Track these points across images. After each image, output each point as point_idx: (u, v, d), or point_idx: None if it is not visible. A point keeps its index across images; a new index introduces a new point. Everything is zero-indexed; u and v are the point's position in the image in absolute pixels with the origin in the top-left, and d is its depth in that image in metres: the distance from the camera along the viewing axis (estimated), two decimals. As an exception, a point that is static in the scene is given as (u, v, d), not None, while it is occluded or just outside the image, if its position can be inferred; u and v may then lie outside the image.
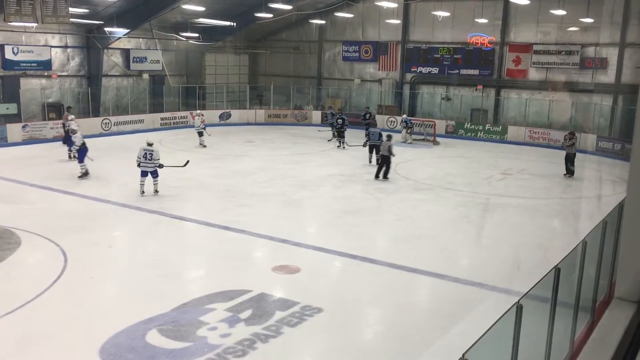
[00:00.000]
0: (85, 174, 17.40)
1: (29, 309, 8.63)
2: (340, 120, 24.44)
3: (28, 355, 7.30)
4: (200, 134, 24.04)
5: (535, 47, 28.38)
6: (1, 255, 10.72)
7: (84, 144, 17.65)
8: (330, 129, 26.52)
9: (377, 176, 18.21)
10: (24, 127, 23.83)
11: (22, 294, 9.01)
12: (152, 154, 15.33)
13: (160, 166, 15.50)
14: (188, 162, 16.89)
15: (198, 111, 26.35)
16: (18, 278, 9.87)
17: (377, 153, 19.43)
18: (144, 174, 15.43)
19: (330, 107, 30.97)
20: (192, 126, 30.36)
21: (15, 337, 7.75)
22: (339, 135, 24.34)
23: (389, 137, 18.65)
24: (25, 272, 10.26)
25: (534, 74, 28.80)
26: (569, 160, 19.67)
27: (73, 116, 21.52)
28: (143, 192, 15.45)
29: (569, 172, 19.65)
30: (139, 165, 15.36)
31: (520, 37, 28.95)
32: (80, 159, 17.60)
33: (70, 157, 19.97)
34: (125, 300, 9.20)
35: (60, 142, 22.61)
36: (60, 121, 23.35)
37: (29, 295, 9.00)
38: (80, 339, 7.75)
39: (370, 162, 20.40)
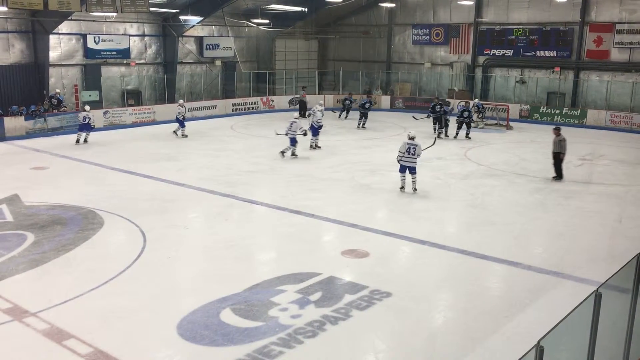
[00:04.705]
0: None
1: (111, 285, 9.13)
2: (437, 107, 23.79)
3: (111, 329, 7.72)
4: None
5: (618, 27, 26.92)
6: (86, 234, 11.36)
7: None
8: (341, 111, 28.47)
9: None
10: (105, 113, 24.98)
11: (105, 271, 9.54)
12: (415, 149, 14.38)
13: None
14: (435, 140, 16.38)
15: (321, 102, 24.33)
16: (102, 256, 10.42)
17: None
18: (403, 169, 14.64)
19: (350, 94, 30.63)
20: (264, 111, 31.05)
21: (100, 311, 8.20)
22: (437, 121, 23.85)
23: None
24: (108, 251, 10.82)
25: (616, 55, 27.38)
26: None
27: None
28: (403, 187, 14.75)
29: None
30: (399, 161, 14.61)
31: (602, 16, 27.54)
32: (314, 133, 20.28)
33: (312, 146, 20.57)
34: (200, 280, 9.54)
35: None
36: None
37: (112, 272, 9.52)
38: (159, 315, 8.12)
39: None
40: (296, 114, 19.95)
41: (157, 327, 7.80)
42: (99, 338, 7.39)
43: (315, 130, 20.29)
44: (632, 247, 10.19)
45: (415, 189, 14.62)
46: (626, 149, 21.24)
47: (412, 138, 14.55)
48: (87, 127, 21.39)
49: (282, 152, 18.99)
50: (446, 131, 23.48)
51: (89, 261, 10.13)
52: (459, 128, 22.91)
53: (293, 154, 18.94)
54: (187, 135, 22.77)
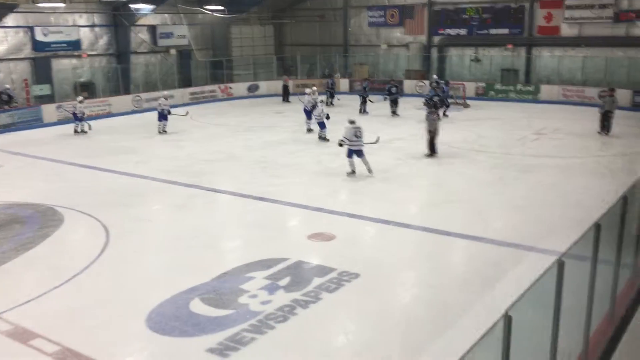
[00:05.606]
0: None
1: (76, 282, 8.95)
2: (393, 89, 24.38)
3: (78, 326, 7.58)
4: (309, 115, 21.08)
5: (567, 2, 27.49)
6: (46, 231, 11.09)
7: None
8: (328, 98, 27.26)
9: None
10: (58, 107, 24.29)
11: (68, 268, 9.34)
12: (361, 131, 14.39)
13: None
14: (379, 138, 15.47)
15: (314, 88, 22.45)
16: (64, 253, 10.21)
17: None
18: (351, 153, 14.50)
19: (331, 75, 30.25)
20: (222, 99, 30.70)
21: (65, 309, 8.04)
22: (394, 103, 24.27)
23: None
24: (70, 248, 10.60)
25: (566, 30, 28.00)
26: (606, 118, 19.24)
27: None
28: (353, 171, 14.63)
29: (605, 128, 19.25)
30: (342, 145, 14.61)
31: (551, -8, 28.09)
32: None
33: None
34: (167, 272, 9.43)
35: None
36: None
37: (76, 269, 9.33)
38: (126, 309, 8.01)
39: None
40: (321, 97, 19.86)
41: (126, 321, 7.70)
42: (65, 336, 7.26)
43: (322, 123, 19.45)
44: (588, 216, 10.44)
45: (370, 170, 14.63)
46: (579, 121, 21.82)
47: (352, 122, 14.63)
48: (75, 117, 21.55)
49: (321, 138, 19.24)
50: (444, 112, 23.48)
51: (50, 259, 9.92)
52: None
53: (320, 137, 19.26)
54: (166, 131, 21.35)
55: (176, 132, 21.58)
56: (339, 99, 27.33)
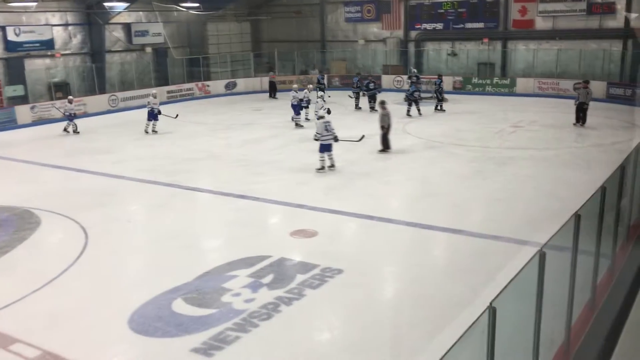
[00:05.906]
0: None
1: (55, 285, 8.81)
2: (371, 85, 24.42)
3: (59, 330, 7.47)
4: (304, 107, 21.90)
5: (541, -4, 27.79)
6: (23, 234, 10.90)
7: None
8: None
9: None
10: (32, 108, 23.92)
11: (47, 272, 9.19)
12: (330, 124, 14.65)
13: (336, 139, 14.76)
14: (363, 136, 15.73)
15: (310, 86, 23.54)
16: (42, 256, 10.05)
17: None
18: (323, 149, 14.70)
19: (322, 72, 30.08)
20: (200, 97, 30.45)
21: (45, 313, 7.91)
22: (372, 99, 24.24)
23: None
24: (48, 250, 10.44)
25: (541, 24, 28.30)
26: (581, 109, 19.49)
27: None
28: (323, 167, 14.82)
29: (580, 120, 19.51)
30: (317, 140, 14.71)
31: (525, -14, 28.34)
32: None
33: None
34: (148, 272, 9.36)
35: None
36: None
37: (54, 272, 9.19)
38: (108, 312, 7.92)
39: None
40: (320, 93, 20.14)
41: (108, 323, 7.61)
42: (46, 340, 7.15)
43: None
44: (565, 207, 10.60)
45: (334, 165, 14.84)
46: (555, 114, 22.09)
47: (321, 117, 15.00)
48: (66, 117, 21.57)
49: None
50: (441, 105, 23.77)
51: (28, 262, 9.76)
52: (410, 105, 23.00)
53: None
54: (157, 131, 20.90)
55: (155, 131, 21.35)
56: (329, 96, 27.23)
